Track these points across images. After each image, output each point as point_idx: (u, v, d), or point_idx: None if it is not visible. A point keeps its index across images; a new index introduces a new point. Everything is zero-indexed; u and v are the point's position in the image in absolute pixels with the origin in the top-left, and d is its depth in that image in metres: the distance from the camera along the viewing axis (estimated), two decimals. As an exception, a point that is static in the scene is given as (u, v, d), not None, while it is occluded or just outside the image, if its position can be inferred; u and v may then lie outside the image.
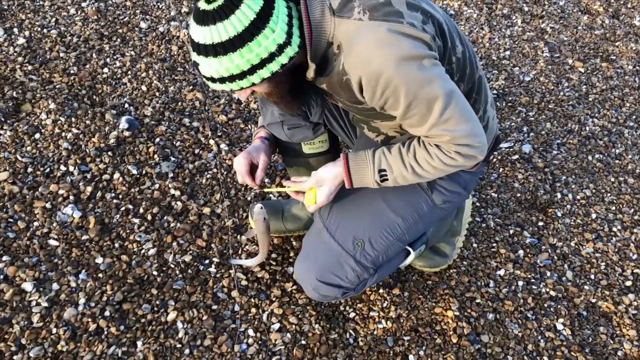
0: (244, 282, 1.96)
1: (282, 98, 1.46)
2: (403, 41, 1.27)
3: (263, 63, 1.27)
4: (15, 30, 2.78)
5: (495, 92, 3.04)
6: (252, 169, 1.72)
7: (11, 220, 1.98)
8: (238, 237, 2.09)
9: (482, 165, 1.77)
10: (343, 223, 1.69)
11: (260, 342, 1.81)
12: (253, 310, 1.89)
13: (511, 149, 2.70)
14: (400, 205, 1.70)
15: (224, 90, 1.39)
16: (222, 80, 1.29)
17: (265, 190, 1.83)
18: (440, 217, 1.82)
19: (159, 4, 3.17)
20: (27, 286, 1.80)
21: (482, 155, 1.46)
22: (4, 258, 1.86)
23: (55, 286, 1.83)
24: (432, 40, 1.34)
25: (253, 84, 1.31)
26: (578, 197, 2.51)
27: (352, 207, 1.71)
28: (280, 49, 1.27)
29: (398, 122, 1.44)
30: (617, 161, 2.73)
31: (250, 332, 1.83)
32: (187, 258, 1.99)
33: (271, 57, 1.27)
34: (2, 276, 1.82)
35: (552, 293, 2.11)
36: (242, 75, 1.28)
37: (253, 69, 1.27)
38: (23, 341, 1.68)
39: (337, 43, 1.33)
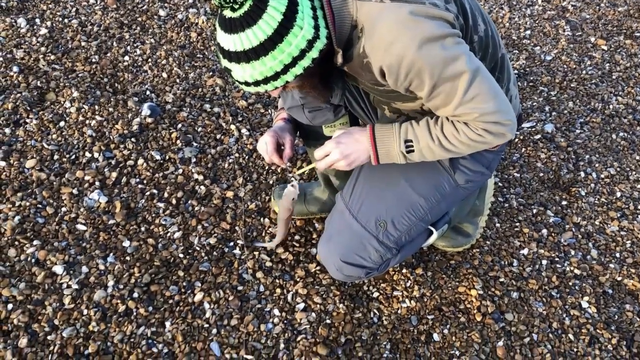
0: (268, 264, 1.98)
1: (314, 88, 1.46)
2: (425, 23, 1.26)
3: (295, 61, 1.27)
4: (38, 20, 2.82)
5: (516, 72, 3.00)
6: (279, 148, 1.72)
7: (40, 206, 2.02)
8: (261, 219, 2.11)
9: (504, 144, 1.75)
10: (365, 204, 1.69)
11: (285, 321, 1.84)
12: (278, 290, 1.91)
13: (533, 129, 2.68)
14: (422, 186, 1.69)
15: (259, 92, 1.39)
16: (257, 83, 1.30)
17: (298, 172, 1.84)
18: (462, 197, 1.81)
19: (177, -9, 3.19)
20: (58, 269, 1.85)
21: (512, 133, 1.44)
22: (35, 242, 1.90)
23: (84, 269, 1.87)
24: (455, 19, 1.32)
25: (287, 82, 1.31)
26: (602, 175, 2.49)
27: (373, 188, 1.71)
28: (310, 44, 1.27)
29: (423, 102, 1.43)
30: (642, 139, 2.69)
31: (276, 311, 1.85)
32: (212, 240, 2.01)
33: (302, 54, 1.27)
34: (33, 260, 1.86)
35: (577, 271, 2.10)
36: (275, 77, 1.29)
37: (286, 69, 1.28)
38: (56, 322, 1.73)
39: (360, 26, 1.32)
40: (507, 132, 1.42)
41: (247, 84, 1.32)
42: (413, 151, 1.50)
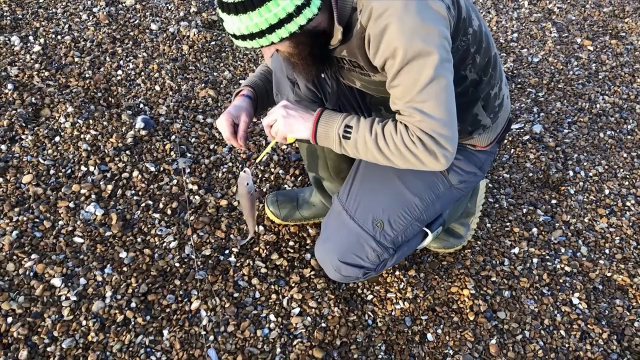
0: (263, 270, 2.01)
1: (303, 60, 1.47)
2: (418, 8, 1.28)
3: (281, 23, 1.31)
4: (31, 38, 2.86)
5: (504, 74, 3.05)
6: (236, 130, 1.71)
7: (37, 220, 2.05)
8: (255, 227, 2.14)
9: (496, 145, 1.79)
10: (362, 204, 1.72)
11: (281, 326, 1.87)
12: (273, 296, 1.94)
13: (522, 130, 2.72)
14: (417, 185, 1.73)
15: (247, 47, 1.43)
16: (244, 37, 1.35)
17: (257, 161, 1.83)
18: (456, 198, 1.85)
19: (168, 5, 3.24)
20: (56, 282, 1.88)
21: (444, 161, 1.40)
22: (33, 256, 1.94)
23: (82, 281, 1.90)
24: (447, 9, 1.34)
25: (272, 43, 1.35)
26: (590, 174, 2.53)
27: (369, 188, 1.74)
28: (299, 10, 1.31)
29: (388, 89, 1.42)
30: (629, 137, 2.73)
31: (272, 317, 1.88)
32: (208, 249, 2.05)
33: (289, 18, 1.31)
34: (32, 273, 1.89)
35: (567, 269, 2.14)
36: (261, 34, 1.33)
37: (272, 28, 1.32)
38: (55, 333, 1.76)
39: (359, 8, 1.36)
40: (439, 155, 1.38)
41: (235, 36, 1.36)
42: (349, 139, 1.48)
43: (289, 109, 1.56)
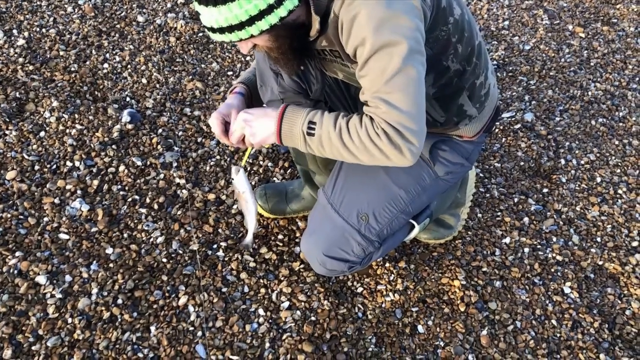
0: (252, 264, 1.99)
1: (283, 54, 1.44)
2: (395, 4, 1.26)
3: (261, 15, 1.28)
4: (15, 31, 2.82)
5: (495, 62, 3.02)
6: (228, 128, 1.66)
7: (22, 217, 2.02)
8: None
9: (484, 135, 1.77)
10: (347, 198, 1.70)
11: (270, 320, 1.85)
12: (262, 290, 1.93)
13: (513, 119, 2.70)
14: (402, 178, 1.70)
15: (224, 41, 1.39)
16: (222, 30, 1.31)
17: (242, 163, 1.79)
18: (443, 189, 1.83)
19: (154, -4, 3.19)
20: (41, 279, 1.85)
21: (410, 156, 1.35)
22: (17, 254, 1.91)
23: (68, 278, 1.87)
24: (421, 1, 1.31)
25: (252, 36, 1.32)
26: (582, 162, 2.51)
27: (355, 182, 1.72)
28: (279, 1, 1.28)
29: (358, 79, 1.39)
30: (620, 124, 2.71)
31: (261, 311, 1.87)
32: (195, 244, 2.02)
33: (269, 9, 1.28)
34: (16, 271, 1.87)
35: (559, 258, 2.12)
36: (240, 26, 1.29)
37: (251, 20, 1.28)
38: (40, 332, 1.73)
39: None
40: (404, 149, 1.34)
41: (212, 30, 1.32)
42: (313, 135, 1.43)
43: (248, 115, 1.52)
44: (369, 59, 1.29)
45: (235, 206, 2.17)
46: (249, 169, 2.32)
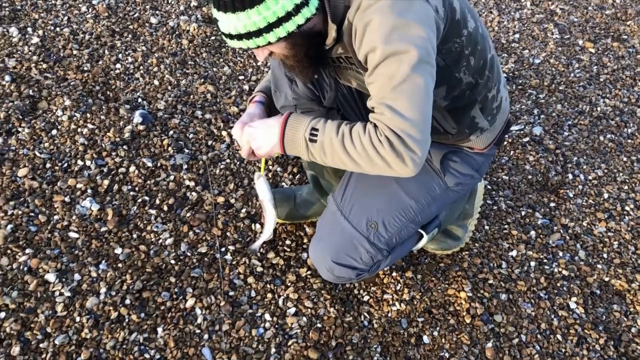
0: (259, 269, 2.00)
1: (299, 62, 1.45)
2: (400, 6, 1.27)
3: (280, 22, 1.29)
4: (30, 29, 2.84)
5: (505, 75, 3.03)
6: None
7: (32, 214, 2.04)
8: (252, 225, 2.13)
9: (494, 147, 1.78)
10: (356, 205, 1.70)
11: (277, 326, 1.85)
12: (269, 295, 1.93)
13: (522, 132, 2.71)
14: (412, 188, 1.71)
15: (242, 48, 1.41)
16: (240, 37, 1.32)
17: (261, 172, 1.81)
18: (452, 200, 1.83)
19: (168, -1, 3.21)
20: (50, 277, 1.86)
21: (412, 166, 1.33)
22: (27, 251, 1.92)
23: (77, 276, 1.88)
24: (435, 12, 1.33)
25: (269, 43, 1.33)
26: (590, 177, 2.51)
27: (365, 190, 1.73)
28: (298, 8, 1.29)
29: (367, 85, 1.39)
30: (629, 140, 2.72)
31: (267, 316, 1.87)
32: (204, 247, 2.03)
33: (288, 16, 1.29)
34: (26, 268, 1.87)
35: (565, 272, 2.13)
36: (258, 33, 1.31)
37: (270, 27, 1.30)
38: (48, 330, 1.74)
39: (351, 4, 1.34)
40: (406, 158, 1.32)
41: (230, 36, 1.33)
42: (315, 142, 1.42)
43: (251, 129, 1.54)
44: (378, 66, 1.30)
45: (244, 210, 2.18)
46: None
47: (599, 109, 2.88)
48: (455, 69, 1.51)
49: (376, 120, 1.35)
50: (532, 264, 2.14)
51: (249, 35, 1.32)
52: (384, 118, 1.32)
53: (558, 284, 2.09)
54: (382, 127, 1.33)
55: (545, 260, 2.16)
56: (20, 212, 2.03)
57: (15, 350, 1.67)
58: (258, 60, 1.61)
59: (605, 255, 2.21)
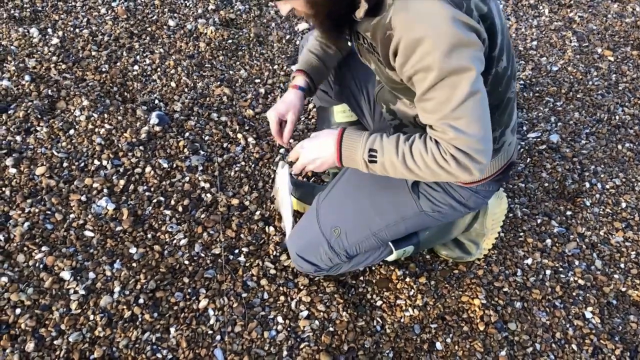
0: (272, 271, 2.00)
1: (320, 23, 1.43)
2: (459, 27, 1.23)
3: None
4: (50, 30, 2.87)
5: (522, 82, 3.02)
6: (283, 127, 1.73)
7: (49, 212, 2.05)
8: (266, 228, 2.13)
9: (491, 183, 1.72)
10: (329, 209, 1.79)
11: (289, 328, 1.85)
12: (282, 298, 1.93)
13: (539, 139, 2.68)
14: (383, 204, 1.75)
15: (266, 3, 1.45)
16: None
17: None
18: (431, 224, 1.84)
19: (186, 2, 3.24)
20: (65, 275, 1.87)
21: (478, 173, 1.36)
22: (43, 248, 1.93)
23: (91, 275, 1.89)
24: (484, 36, 1.30)
25: None
26: (607, 186, 2.48)
27: (340, 196, 1.80)
28: None
29: (416, 101, 1.38)
30: (648, 150, 2.69)
31: (280, 319, 1.87)
32: (217, 248, 2.03)
33: None
34: (41, 265, 1.89)
35: (581, 282, 2.10)
36: None
37: None
38: (62, 327, 1.75)
39: None
40: (473, 168, 1.35)
41: None
42: (375, 162, 1.46)
43: (306, 153, 1.57)
44: (434, 85, 1.28)
45: (258, 212, 2.18)
46: (271, 175, 2.33)
47: (617, 117, 2.85)
48: None
49: (438, 137, 1.35)
50: (548, 272, 2.12)
51: None
52: (447, 137, 1.33)
53: (574, 293, 2.06)
54: (446, 146, 1.34)
55: (560, 269, 2.14)
56: (37, 210, 2.04)
57: (30, 346, 1.68)
58: (281, 14, 1.63)
59: (622, 265, 2.18)
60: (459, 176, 1.37)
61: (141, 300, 1.85)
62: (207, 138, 2.44)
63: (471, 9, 1.27)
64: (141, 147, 2.33)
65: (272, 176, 2.33)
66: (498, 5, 1.41)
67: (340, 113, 1.93)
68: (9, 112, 2.37)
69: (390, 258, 1.97)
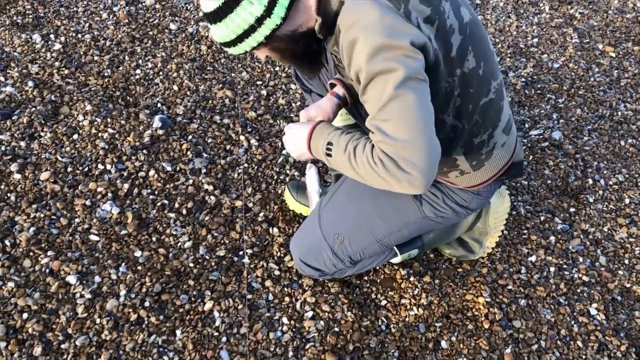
0: (276, 272, 2.00)
1: (290, 62, 1.54)
2: (384, 27, 1.24)
3: (247, 33, 1.37)
4: (52, 36, 2.89)
5: (523, 80, 3.02)
6: None
7: (54, 217, 2.07)
8: (269, 229, 2.14)
9: (492, 184, 1.71)
10: (332, 216, 1.80)
11: (294, 329, 1.86)
12: (286, 299, 1.94)
13: (541, 136, 2.68)
14: (386, 210, 1.75)
15: (232, 53, 1.52)
16: (226, 44, 1.42)
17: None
18: (432, 228, 1.85)
19: (187, 5, 3.25)
20: (71, 279, 1.89)
21: (408, 186, 1.29)
22: (49, 253, 1.95)
23: (97, 279, 1.90)
24: (424, 37, 1.28)
25: (252, 48, 1.41)
26: (610, 182, 2.48)
27: (343, 202, 1.80)
28: (259, 21, 1.34)
29: (363, 102, 1.37)
30: (650, 145, 2.69)
31: (285, 320, 1.88)
32: (222, 250, 2.04)
33: (252, 29, 1.36)
34: (47, 270, 1.90)
35: (585, 278, 2.10)
36: (235, 42, 1.40)
37: (240, 38, 1.38)
38: (69, 331, 1.76)
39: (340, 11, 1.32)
40: (403, 180, 1.28)
41: (220, 43, 1.44)
42: (331, 156, 1.43)
43: (287, 128, 1.57)
44: (366, 86, 1.29)
45: (261, 214, 2.19)
46: (275, 177, 2.34)
47: (619, 113, 2.85)
48: (441, 110, 1.45)
49: (372, 139, 1.33)
50: (552, 269, 2.12)
51: (228, 44, 1.42)
52: (375, 139, 1.30)
53: (578, 290, 2.06)
54: (377, 149, 1.31)
55: (565, 266, 2.14)
56: (42, 215, 2.06)
57: (37, 350, 1.70)
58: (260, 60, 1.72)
59: (626, 262, 2.18)
60: (394, 184, 1.31)
61: (147, 303, 1.86)
62: (210, 141, 2.45)
63: (409, 11, 1.28)
64: (144, 151, 2.34)
65: (275, 177, 2.34)
66: (458, 5, 1.39)
67: (339, 116, 1.94)
68: (13, 118, 2.39)
69: (395, 261, 1.99)
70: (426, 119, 1.27)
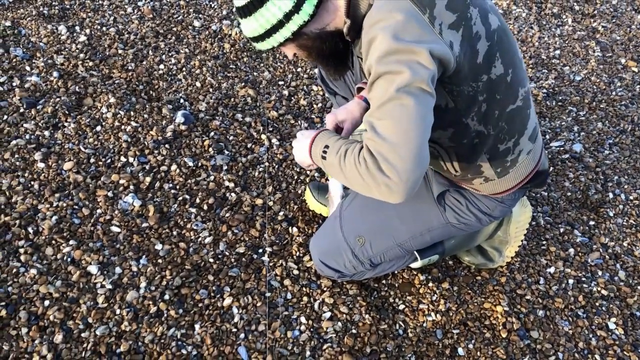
0: (295, 272, 2.01)
1: (316, 61, 1.54)
2: (404, 30, 1.24)
3: (275, 28, 1.38)
4: (77, 28, 2.91)
5: (544, 91, 3.01)
6: (338, 130, 1.62)
7: (76, 207, 2.08)
8: (289, 229, 2.14)
9: (516, 192, 1.71)
10: (353, 217, 1.81)
11: (312, 329, 1.86)
12: (305, 298, 1.94)
13: (562, 148, 2.68)
14: (409, 214, 1.77)
15: (261, 50, 1.54)
16: (255, 39, 1.44)
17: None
18: (455, 234, 1.86)
19: (211, 3, 3.27)
20: (93, 269, 1.89)
21: (385, 193, 1.25)
22: (71, 242, 1.96)
23: (118, 270, 1.91)
24: (448, 46, 1.27)
25: (280, 44, 1.43)
26: (631, 197, 2.47)
27: (366, 206, 1.81)
28: (287, 16, 1.36)
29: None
30: (671, 162, 2.67)
31: (303, 319, 1.88)
32: (242, 247, 2.05)
33: (280, 24, 1.37)
34: (69, 259, 1.91)
35: (604, 292, 2.09)
36: (262, 38, 1.42)
37: (269, 33, 1.40)
38: (90, 320, 1.77)
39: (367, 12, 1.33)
40: (380, 182, 1.24)
41: (248, 38, 1.47)
42: (326, 159, 1.42)
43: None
44: (373, 83, 1.29)
45: (281, 213, 2.19)
46: (295, 177, 2.35)
47: (640, 128, 2.84)
48: (465, 113, 1.44)
49: (364, 137, 1.31)
50: (571, 281, 2.11)
51: (256, 39, 1.44)
52: (365, 136, 1.28)
53: (597, 304, 2.06)
54: (364, 148, 1.29)
55: (583, 279, 2.13)
56: (64, 205, 2.07)
57: (58, 338, 1.70)
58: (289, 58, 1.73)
59: (645, 277, 2.17)
60: (372, 187, 1.27)
61: (167, 297, 1.87)
62: (231, 138, 2.46)
63: (434, 17, 1.27)
64: (167, 145, 2.35)
65: (295, 177, 2.35)
66: (487, 12, 1.38)
67: None
68: (38, 107, 2.41)
69: (415, 265, 1.98)
70: (421, 128, 1.23)
